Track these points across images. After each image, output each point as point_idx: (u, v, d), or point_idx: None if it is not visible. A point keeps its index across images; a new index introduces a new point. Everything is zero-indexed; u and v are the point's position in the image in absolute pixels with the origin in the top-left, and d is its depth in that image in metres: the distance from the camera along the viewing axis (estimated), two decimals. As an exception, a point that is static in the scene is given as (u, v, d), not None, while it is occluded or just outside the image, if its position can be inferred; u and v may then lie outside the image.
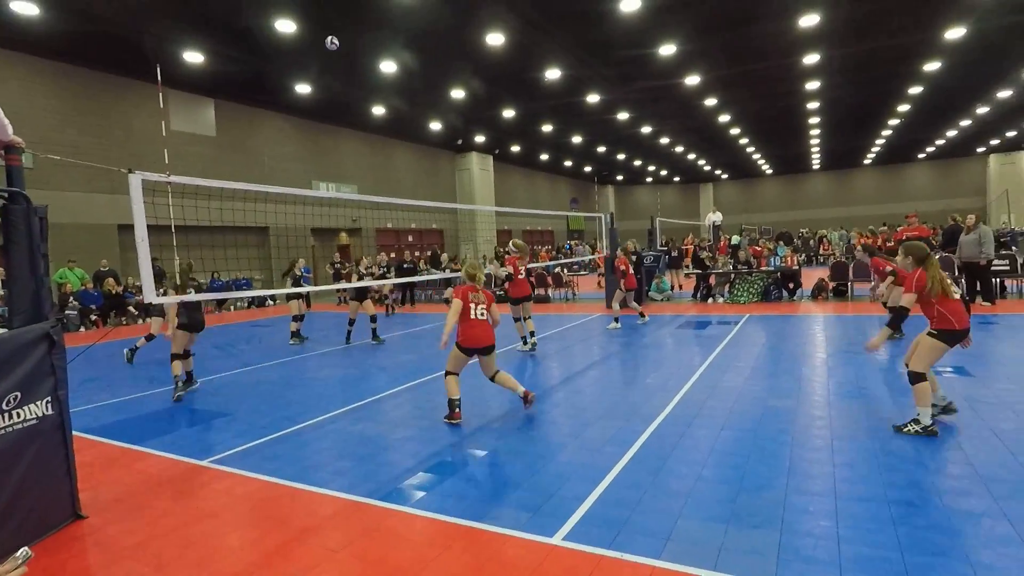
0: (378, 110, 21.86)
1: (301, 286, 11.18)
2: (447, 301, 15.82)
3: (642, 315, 11.65)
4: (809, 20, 14.46)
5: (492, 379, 5.81)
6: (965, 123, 29.54)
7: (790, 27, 14.91)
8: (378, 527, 3.55)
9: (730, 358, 7.88)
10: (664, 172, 44.58)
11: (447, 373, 5.69)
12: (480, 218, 28.87)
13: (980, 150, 39.05)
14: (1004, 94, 23.50)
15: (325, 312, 17.04)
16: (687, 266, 17.80)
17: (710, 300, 14.56)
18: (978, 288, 11.55)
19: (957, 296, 4.70)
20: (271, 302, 19.07)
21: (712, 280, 14.97)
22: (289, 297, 11.62)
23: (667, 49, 16.10)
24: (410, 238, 28.10)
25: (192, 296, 6.87)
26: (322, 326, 13.61)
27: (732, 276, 14.44)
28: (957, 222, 12.93)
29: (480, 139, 28.29)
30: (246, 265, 20.02)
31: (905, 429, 4.70)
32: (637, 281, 12.55)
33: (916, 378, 4.69)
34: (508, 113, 22.84)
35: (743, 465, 4.21)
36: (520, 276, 9.43)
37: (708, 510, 3.54)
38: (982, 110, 26.47)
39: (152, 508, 4.00)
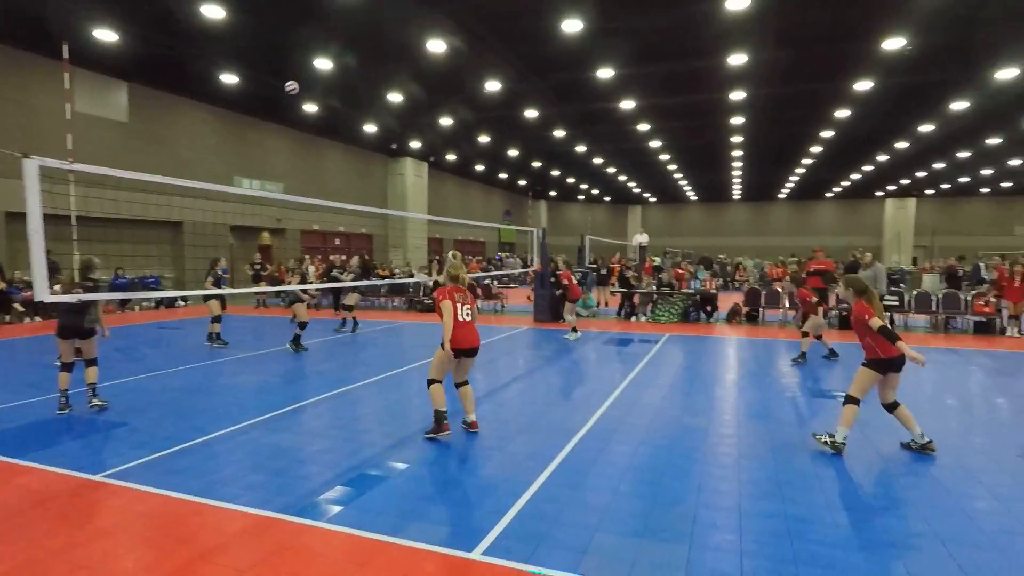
0: (310, 107, 21.18)
1: (221, 287, 10.63)
2: (429, 305, 15.45)
3: (574, 330, 11.86)
4: (737, 59, 15.37)
5: (458, 386, 5.55)
6: (867, 168, 32.22)
7: (720, 64, 15.79)
8: (291, 544, 3.41)
9: (650, 376, 8.16)
10: (596, 191, 45.81)
11: (431, 382, 5.36)
12: (412, 225, 28.55)
13: (879, 194, 42.69)
14: (901, 145, 25.85)
15: (241, 316, 16.27)
16: (613, 284, 18.31)
17: (633, 318, 15.03)
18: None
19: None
20: (182, 303, 18.02)
21: (636, 299, 15.48)
22: (208, 297, 11.00)
23: (605, 72, 16.62)
24: (337, 241, 27.36)
25: (75, 297, 5.92)
26: (238, 329, 12.98)
27: (655, 296, 14.99)
28: (857, 258, 14.07)
29: (416, 145, 28.03)
30: (156, 263, 18.81)
31: (819, 437, 5.16)
32: (562, 296, 12.83)
33: (848, 400, 5.13)
34: (446, 121, 22.78)
35: (657, 481, 4.36)
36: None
37: (623, 524, 3.65)
38: (882, 158, 28.98)
39: (34, 528, 3.65)
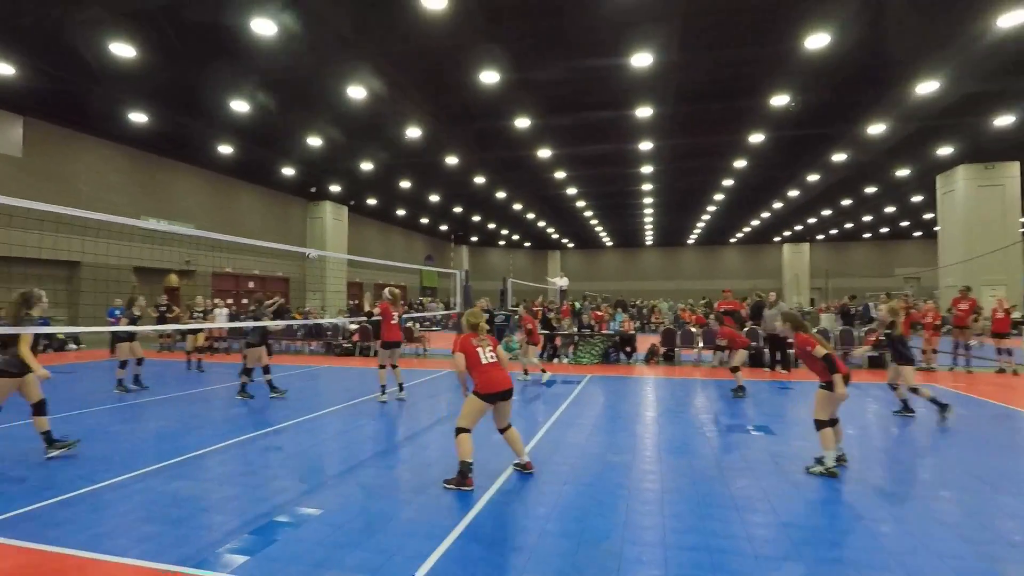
0: (225, 149, 20.50)
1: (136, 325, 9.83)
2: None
3: (542, 371, 11.85)
4: (643, 111, 16.39)
5: (502, 431, 5.32)
6: (765, 215, 34.86)
7: (628, 116, 16.77)
8: (189, 603, 3.08)
9: (573, 416, 8.20)
10: (516, 236, 46.71)
11: (459, 430, 5.03)
12: (331, 267, 27.81)
13: (776, 239, 46.17)
14: (793, 193, 28.24)
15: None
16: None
17: (556, 360, 15.18)
18: (778, 357, 13.34)
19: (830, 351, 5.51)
20: (74, 346, 16.48)
21: (558, 341, 15.68)
22: (118, 339, 10.16)
23: (522, 122, 17.21)
24: (251, 284, 26.16)
25: None
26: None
27: (576, 338, 15.25)
28: (761, 298, 15.00)
29: (336, 188, 27.63)
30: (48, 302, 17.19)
31: (812, 470, 5.38)
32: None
33: (819, 425, 5.43)
34: (366, 166, 22.67)
35: (583, 519, 4.32)
36: (393, 322, 9.17)
37: (550, 564, 3.57)
38: (777, 205, 31.47)
39: None
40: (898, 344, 7.98)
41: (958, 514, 4.46)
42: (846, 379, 5.42)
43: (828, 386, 5.41)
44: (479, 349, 5.20)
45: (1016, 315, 17.90)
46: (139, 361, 10.44)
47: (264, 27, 11.31)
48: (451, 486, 4.91)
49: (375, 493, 4.89)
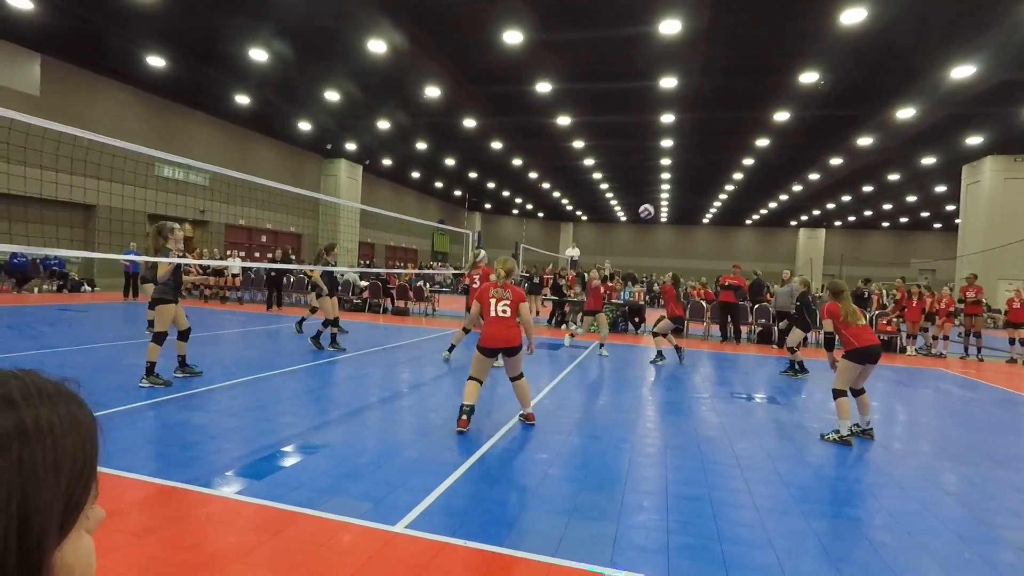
0: (242, 99, 20.36)
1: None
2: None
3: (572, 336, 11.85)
4: (668, 83, 16.03)
5: (512, 380, 5.32)
6: (783, 197, 34.34)
7: (652, 86, 16.42)
8: (194, 513, 3.15)
9: (579, 377, 8.24)
10: (530, 206, 46.40)
11: (469, 378, 5.16)
12: (344, 225, 27.81)
13: (793, 224, 45.59)
14: (814, 176, 27.73)
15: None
16: (546, 294, 18.48)
17: (563, 327, 15.19)
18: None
19: (862, 323, 5.56)
20: (88, 288, 16.70)
21: (567, 308, 15.66)
22: (144, 281, 10.18)
23: (543, 87, 16.91)
24: (264, 238, 26.27)
25: None
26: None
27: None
28: (759, 276, 15.12)
29: (351, 147, 27.45)
30: (62, 245, 17.37)
31: (827, 437, 5.45)
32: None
33: (836, 394, 5.48)
34: (383, 124, 22.45)
35: (586, 466, 4.36)
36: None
37: (552, 504, 3.60)
38: (796, 188, 30.97)
39: None
40: (804, 311, 9.32)
41: (961, 484, 4.47)
42: (859, 356, 5.44)
43: (850, 355, 5.47)
44: (492, 300, 5.15)
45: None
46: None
47: (287, -29, 11.08)
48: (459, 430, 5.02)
49: (382, 432, 4.96)
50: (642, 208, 8.64)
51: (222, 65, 16.86)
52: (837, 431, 5.43)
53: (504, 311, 5.13)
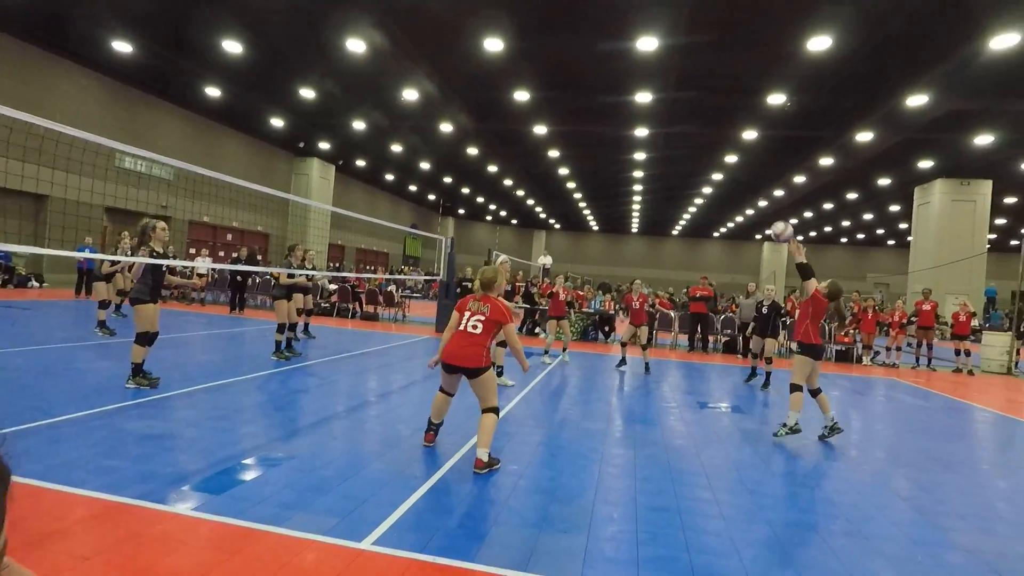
0: (212, 91, 19.83)
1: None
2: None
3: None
4: (643, 97, 16.23)
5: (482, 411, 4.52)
6: (750, 212, 35.12)
7: (627, 100, 16.60)
8: (147, 531, 2.98)
9: (550, 386, 8.21)
10: (504, 213, 46.42)
11: (440, 389, 4.76)
12: (313, 225, 27.33)
13: (757, 237, 46.64)
14: (778, 193, 28.44)
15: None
16: (517, 301, 18.46)
17: (536, 331, 15.20)
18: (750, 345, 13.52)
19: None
20: (36, 284, 16.00)
21: (538, 316, 15.67)
22: (95, 279, 9.80)
23: (521, 95, 16.93)
24: (229, 237, 25.62)
25: None
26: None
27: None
28: (713, 287, 15.56)
29: (325, 146, 27.03)
30: (9, 239, 16.60)
31: (779, 434, 5.76)
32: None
33: (794, 388, 5.81)
34: (358, 124, 22.17)
35: (557, 478, 4.32)
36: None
37: (522, 517, 3.55)
38: (762, 203, 31.70)
39: None
40: (775, 318, 9.34)
41: (913, 489, 4.67)
42: (815, 353, 5.78)
43: (808, 351, 5.72)
44: (467, 314, 4.53)
45: (975, 323, 18.65)
46: (110, 304, 10.12)
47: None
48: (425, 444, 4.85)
49: (348, 444, 4.84)
50: (781, 229, 6.57)
51: (193, 54, 16.38)
52: (784, 424, 5.72)
53: (475, 327, 4.45)
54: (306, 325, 10.80)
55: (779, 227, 5.92)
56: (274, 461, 4.20)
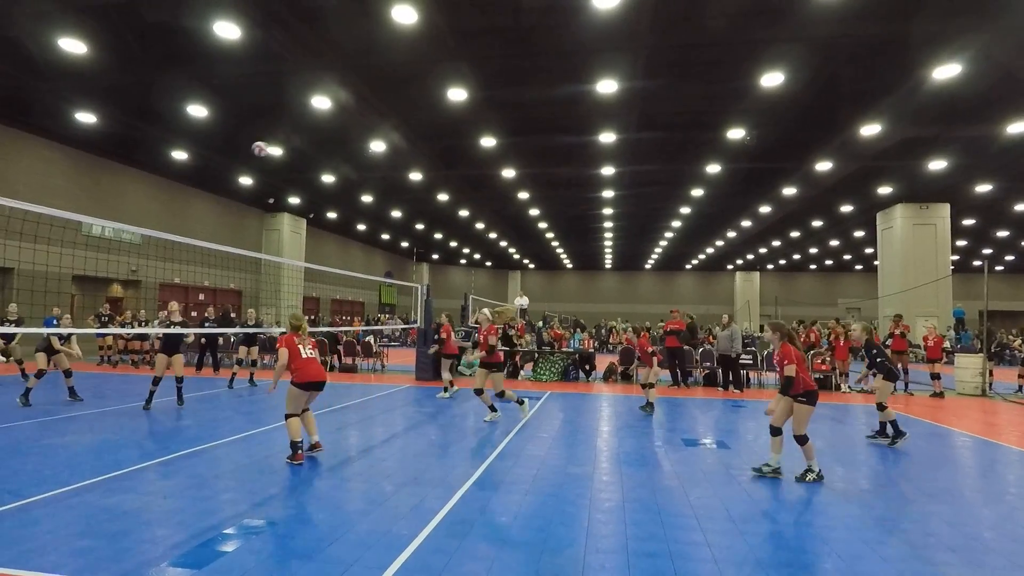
0: (178, 154, 19.85)
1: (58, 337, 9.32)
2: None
3: (446, 388, 11.57)
4: (607, 137, 16.74)
5: (302, 412, 6.15)
6: (720, 243, 35.92)
7: (592, 140, 17.10)
8: (127, 615, 2.87)
9: (533, 430, 8.16)
10: (478, 256, 46.71)
11: (288, 416, 5.97)
12: (286, 281, 27.14)
13: (729, 267, 47.61)
14: (746, 223, 29.22)
15: (82, 373, 14.25)
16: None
17: (518, 375, 15.13)
18: (730, 377, 13.65)
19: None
20: (1, 358, 15.43)
21: (518, 358, 15.65)
22: (36, 349, 9.63)
23: (487, 141, 17.32)
24: (201, 296, 25.26)
25: None
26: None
27: (536, 355, 15.26)
28: (692, 320, 15.73)
29: (294, 200, 27.10)
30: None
31: (806, 478, 5.66)
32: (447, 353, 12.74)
33: (802, 440, 5.68)
34: (327, 178, 22.33)
35: (546, 527, 4.27)
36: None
37: (514, 572, 3.50)
38: (731, 234, 32.49)
39: None
40: (879, 356, 7.89)
41: (901, 521, 4.65)
42: (814, 398, 5.73)
43: (806, 399, 5.69)
44: (300, 346, 6.05)
45: (945, 345, 19.10)
46: (66, 373, 9.84)
47: (227, 31, 11.08)
48: (289, 461, 5.84)
49: (330, 504, 4.73)
50: (255, 145, 8.74)
51: (158, 120, 16.44)
52: (811, 470, 5.69)
53: (312, 353, 6.19)
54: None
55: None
56: (255, 530, 4.09)
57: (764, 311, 45.31)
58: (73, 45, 11.75)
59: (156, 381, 9.21)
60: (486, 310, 9.20)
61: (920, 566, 3.74)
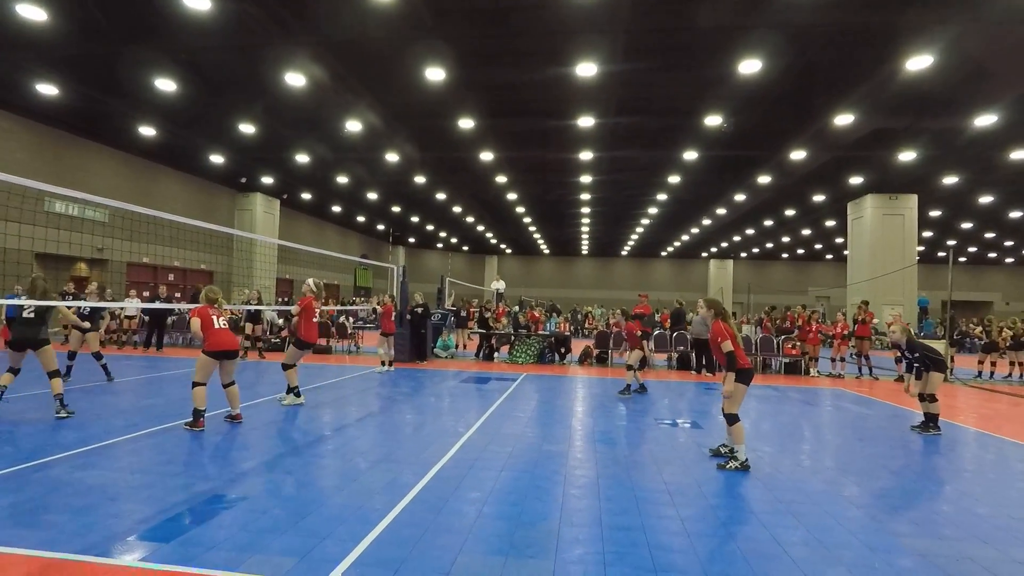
0: (146, 130, 19.25)
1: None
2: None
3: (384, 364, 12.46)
4: (586, 121, 16.69)
5: (226, 387, 6.57)
6: (695, 230, 36.28)
7: (570, 124, 17.03)
8: (92, 588, 2.81)
9: (509, 409, 8.19)
10: (455, 240, 46.44)
11: (195, 384, 6.18)
12: (260, 261, 26.64)
13: (704, 255, 48.16)
14: (720, 211, 29.53)
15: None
16: (471, 327, 18.42)
17: (494, 358, 15.16)
18: (703, 361, 13.87)
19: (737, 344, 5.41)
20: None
21: (494, 341, 15.66)
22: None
23: (465, 123, 17.13)
24: (171, 277, 24.69)
25: None
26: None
27: (512, 338, 15.29)
28: (681, 306, 15.82)
29: (268, 180, 26.53)
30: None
31: (728, 466, 5.34)
32: (422, 336, 12.76)
33: (733, 419, 5.39)
34: (302, 158, 21.90)
35: (521, 502, 4.30)
36: (315, 319, 8.58)
37: (488, 544, 3.51)
38: (706, 221, 32.83)
39: None
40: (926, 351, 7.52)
41: (865, 496, 4.77)
42: (748, 377, 5.41)
43: (745, 377, 5.42)
44: (214, 317, 6.41)
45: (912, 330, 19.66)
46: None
47: (197, 1, 10.70)
48: (188, 427, 6.12)
49: (304, 481, 4.68)
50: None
51: (124, 94, 15.87)
52: (735, 457, 5.39)
53: (224, 324, 6.55)
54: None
55: None
56: (226, 503, 4.03)
57: (737, 298, 46.04)
58: (32, 12, 11.23)
59: (72, 356, 9.69)
60: (311, 280, 8.66)
61: (883, 537, 3.87)
